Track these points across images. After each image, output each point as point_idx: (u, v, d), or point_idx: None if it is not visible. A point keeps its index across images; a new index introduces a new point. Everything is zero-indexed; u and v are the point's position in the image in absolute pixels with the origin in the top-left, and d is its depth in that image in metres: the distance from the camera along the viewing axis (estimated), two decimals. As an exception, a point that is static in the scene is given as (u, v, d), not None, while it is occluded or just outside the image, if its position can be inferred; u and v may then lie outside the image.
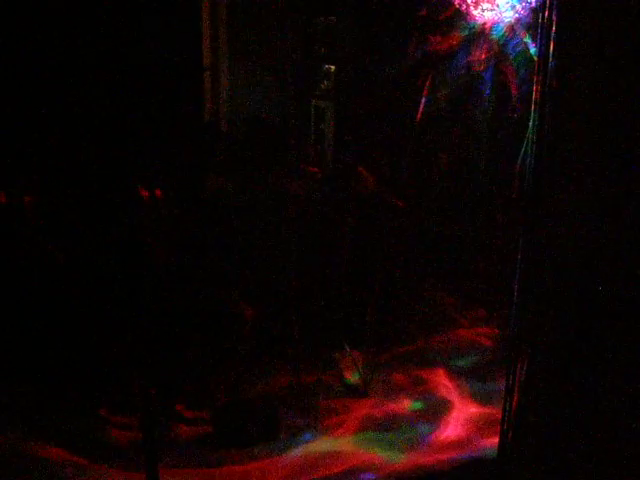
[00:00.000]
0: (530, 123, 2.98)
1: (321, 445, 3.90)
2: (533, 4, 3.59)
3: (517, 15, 3.62)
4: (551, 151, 3.07)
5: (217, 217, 4.61)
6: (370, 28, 4.86)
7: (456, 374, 4.76)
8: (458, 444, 3.96)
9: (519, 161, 3.50)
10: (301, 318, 4.46)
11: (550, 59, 2.92)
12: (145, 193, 4.15)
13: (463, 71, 4.35)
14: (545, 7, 2.83)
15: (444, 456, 3.82)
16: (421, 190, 5.03)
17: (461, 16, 3.92)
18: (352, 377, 4.64)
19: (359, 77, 5.11)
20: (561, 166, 3.12)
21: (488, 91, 4.43)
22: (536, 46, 2.95)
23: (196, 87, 4.79)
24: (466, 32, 4.02)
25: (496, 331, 5.16)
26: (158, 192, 4.22)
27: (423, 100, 4.49)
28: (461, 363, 4.91)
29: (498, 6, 3.67)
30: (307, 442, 3.91)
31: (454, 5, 3.81)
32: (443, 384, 4.62)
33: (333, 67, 5.64)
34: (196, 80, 4.79)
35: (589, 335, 3.27)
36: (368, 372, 4.58)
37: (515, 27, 3.77)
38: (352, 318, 4.75)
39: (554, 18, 2.86)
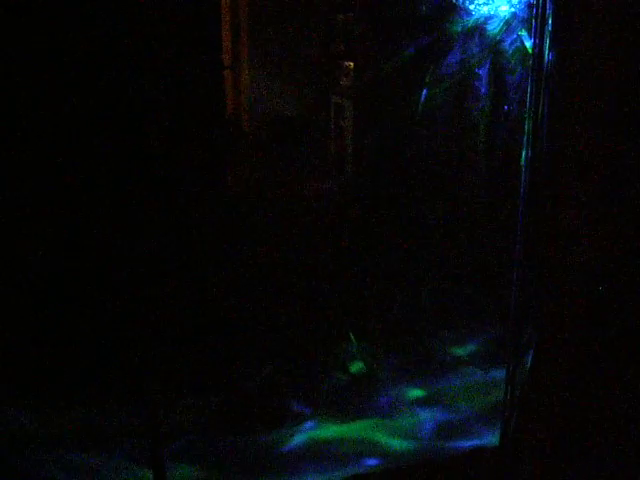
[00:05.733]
0: (526, 116, 3.00)
1: (325, 433, 3.97)
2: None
3: (513, 9, 3.63)
4: (550, 146, 3.08)
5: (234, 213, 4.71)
6: (384, 24, 4.91)
7: (461, 362, 4.77)
8: (461, 432, 4.00)
9: (522, 155, 3.52)
10: (307, 307, 4.53)
11: (547, 51, 2.94)
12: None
13: (458, 67, 4.37)
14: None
15: (447, 443, 3.88)
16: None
17: (456, 11, 3.95)
18: (356, 366, 4.69)
19: (375, 73, 5.17)
20: (562, 161, 3.12)
21: (484, 88, 4.44)
22: (532, 38, 2.96)
23: (217, 85, 4.88)
24: (460, 27, 4.04)
25: (507, 321, 5.13)
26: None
27: (422, 96, 4.53)
28: (466, 351, 4.92)
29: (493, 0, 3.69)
30: (311, 430, 3.98)
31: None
32: (447, 373, 4.64)
33: (352, 64, 5.71)
34: (217, 78, 4.88)
35: (599, 329, 3.27)
36: (372, 361, 4.65)
37: (511, 21, 3.78)
38: (358, 307, 4.80)
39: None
